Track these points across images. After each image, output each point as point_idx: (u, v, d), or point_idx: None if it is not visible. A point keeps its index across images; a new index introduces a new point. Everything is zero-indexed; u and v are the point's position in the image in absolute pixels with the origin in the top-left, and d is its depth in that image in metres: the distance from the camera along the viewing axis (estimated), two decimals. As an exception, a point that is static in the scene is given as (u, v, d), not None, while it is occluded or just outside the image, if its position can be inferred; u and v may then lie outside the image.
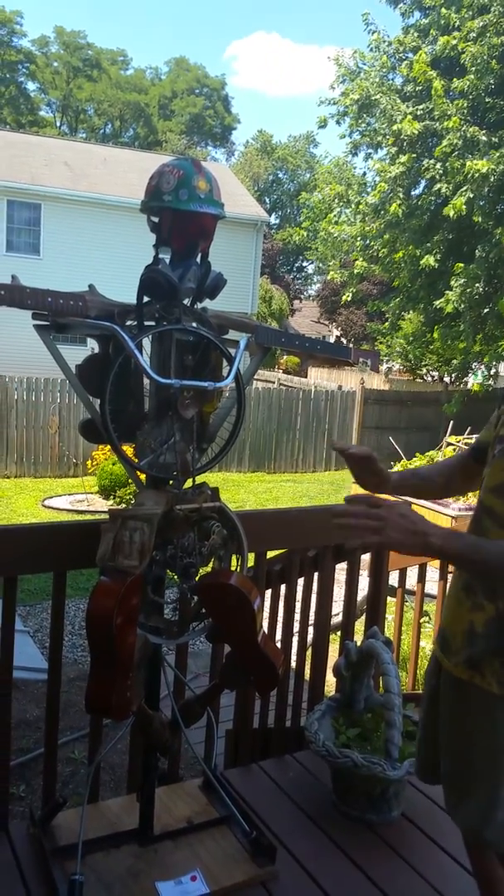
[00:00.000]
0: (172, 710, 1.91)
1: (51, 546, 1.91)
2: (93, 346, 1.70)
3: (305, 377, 19.54)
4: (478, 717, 1.35)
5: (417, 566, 2.90)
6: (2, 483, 9.98)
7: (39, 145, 19.13)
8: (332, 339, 30.23)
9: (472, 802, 1.37)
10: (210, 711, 2.08)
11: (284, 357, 22.23)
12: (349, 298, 14.67)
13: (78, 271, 14.51)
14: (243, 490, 10.47)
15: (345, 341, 28.24)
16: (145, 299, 1.67)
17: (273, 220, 39.17)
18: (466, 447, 1.62)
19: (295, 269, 39.15)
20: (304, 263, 38.62)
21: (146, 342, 1.70)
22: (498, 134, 10.80)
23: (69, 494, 9.27)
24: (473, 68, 10.64)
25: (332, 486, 11.22)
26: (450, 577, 1.64)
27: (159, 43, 78.43)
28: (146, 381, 1.70)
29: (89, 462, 9.86)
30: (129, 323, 1.67)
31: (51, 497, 9.12)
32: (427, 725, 1.54)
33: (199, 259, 1.73)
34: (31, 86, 41.47)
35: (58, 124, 42.83)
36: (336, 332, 30.58)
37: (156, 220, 1.69)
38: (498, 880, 1.48)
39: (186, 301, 1.73)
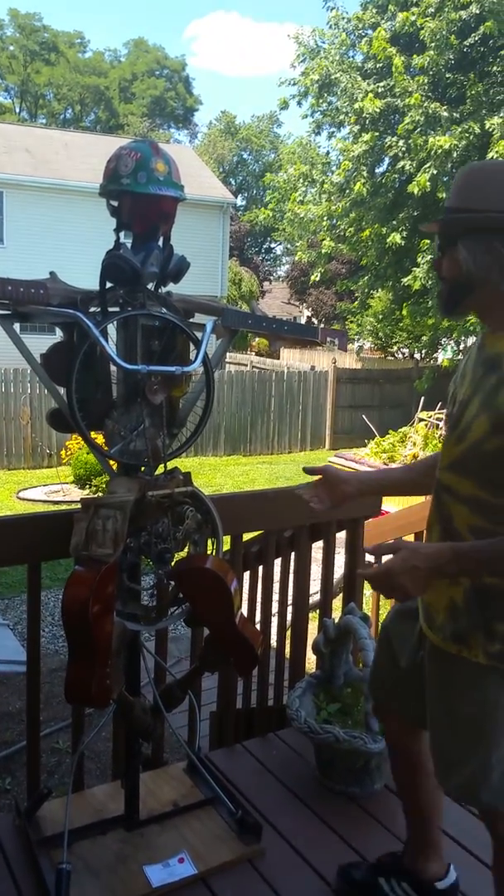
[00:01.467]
0: (154, 695, 1.91)
1: (23, 538, 1.89)
2: (61, 334, 1.68)
3: (278, 359, 19.52)
4: (467, 688, 1.37)
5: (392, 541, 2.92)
6: (-26, 477, 9.86)
7: (-2, 132, 18.74)
8: (302, 320, 30.21)
9: (465, 771, 1.39)
10: (191, 695, 2.09)
11: (256, 340, 22.18)
12: (318, 279, 14.66)
13: (43, 258, 14.27)
14: (219, 474, 10.48)
15: (315, 321, 28.22)
16: (108, 285, 1.65)
17: (239, 201, 38.86)
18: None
19: (263, 251, 38.93)
20: (273, 245, 38.41)
21: (111, 328, 1.68)
22: (459, 109, 10.82)
23: (44, 485, 9.20)
24: (433, 44, 10.62)
25: (308, 467, 11.26)
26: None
27: (117, 24, 77.04)
28: (113, 367, 1.69)
29: (63, 452, 9.79)
30: (92, 309, 1.65)
31: (25, 489, 9.04)
32: (380, 667, 1.63)
33: (160, 242, 1.71)
34: (-14, 71, 40.54)
35: (17, 110, 41.93)
36: (307, 313, 30.54)
37: (115, 204, 1.66)
38: None
39: (150, 285, 1.71)
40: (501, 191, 1.26)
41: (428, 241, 10.94)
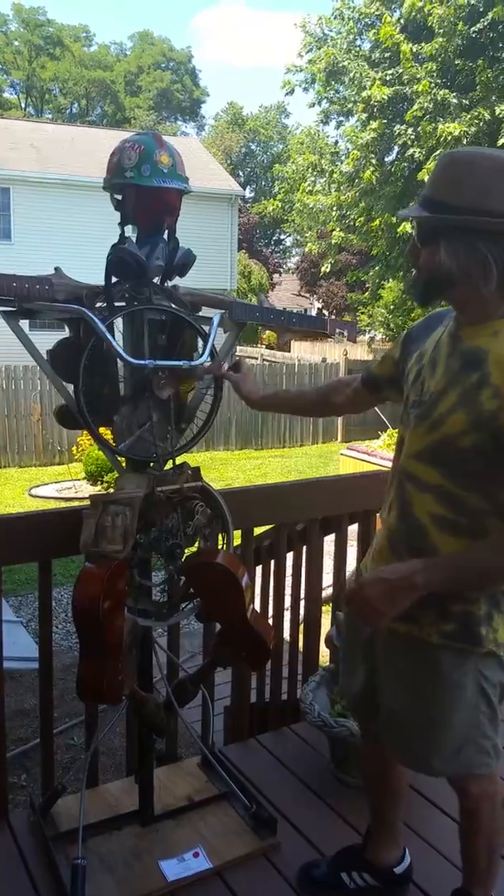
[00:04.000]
0: (167, 690, 1.91)
1: (32, 536, 1.89)
2: (68, 330, 1.67)
3: (289, 352, 19.48)
4: (419, 666, 1.39)
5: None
6: (-13, 474, 9.92)
7: (6, 128, 18.76)
8: (313, 312, 30.10)
9: (417, 743, 1.44)
10: (204, 689, 2.09)
11: (266, 333, 22.13)
12: (328, 270, 14.62)
13: (51, 254, 14.28)
14: (231, 468, 10.48)
15: (326, 313, 28.10)
16: (114, 280, 1.64)
17: (248, 193, 38.76)
18: (360, 373, 1.67)
19: (273, 243, 38.82)
20: (282, 236, 38.29)
21: (118, 323, 1.67)
22: (469, 96, 10.70)
23: (56, 482, 9.24)
24: (441, 30, 10.50)
25: (321, 459, 11.25)
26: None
27: (122, 17, 76.87)
28: (120, 363, 1.68)
29: (74, 448, 9.82)
30: (98, 305, 1.64)
31: (37, 486, 9.09)
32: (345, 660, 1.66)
33: (166, 236, 1.69)
34: (-8, 67, 40.58)
35: (23, 106, 41.95)
36: (317, 305, 30.43)
37: (119, 197, 1.65)
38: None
39: (156, 279, 1.70)
40: (485, 187, 1.21)
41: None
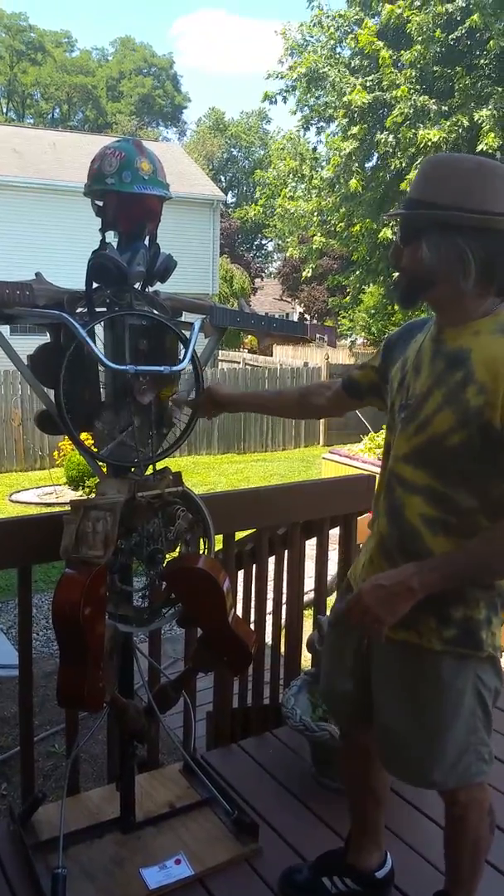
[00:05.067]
0: (148, 697, 1.90)
1: (12, 542, 1.88)
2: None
3: (271, 356, 19.51)
4: (420, 674, 1.39)
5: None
6: (-33, 480, 9.82)
7: (-15, 132, 18.64)
8: (294, 316, 30.19)
9: (415, 753, 1.42)
10: (186, 695, 2.08)
11: (248, 337, 22.16)
12: (310, 274, 14.65)
13: (30, 258, 14.21)
14: (214, 472, 10.46)
15: (308, 317, 28.20)
16: (95, 285, 1.64)
17: (230, 198, 38.80)
18: (340, 378, 1.71)
19: (254, 248, 38.88)
20: (264, 241, 38.37)
21: (98, 329, 1.67)
22: (447, 103, 10.81)
23: (37, 487, 9.17)
24: (420, 38, 10.60)
25: (303, 463, 11.27)
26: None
27: (104, 23, 76.78)
28: (101, 368, 1.67)
29: (56, 453, 9.75)
30: (79, 310, 1.64)
31: (18, 491, 9.01)
32: (328, 669, 1.65)
33: (147, 241, 1.69)
34: (-28, 72, 40.33)
35: (4, 110, 41.74)
36: (299, 309, 30.53)
37: (100, 203, 1.65)
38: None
39: (137, 285, 1.70)
40: (467, 187, 1.25)
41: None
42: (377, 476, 1.54)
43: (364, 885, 1.73)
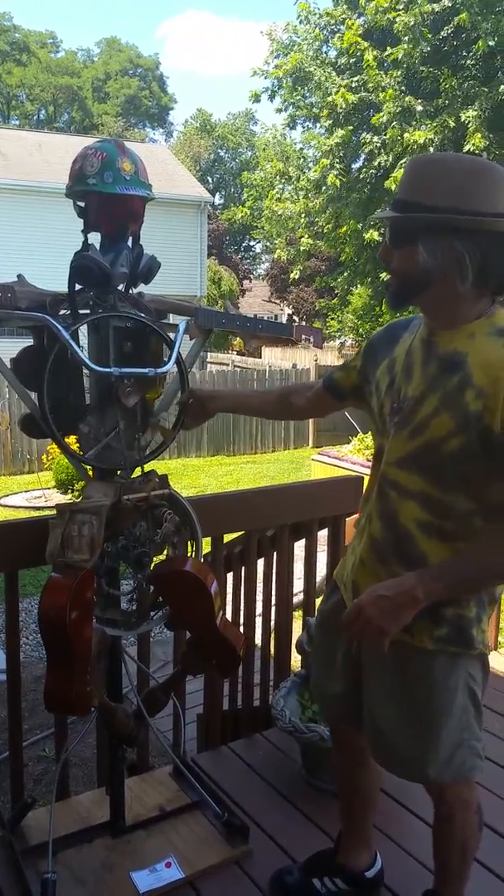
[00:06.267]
0: (136, 700, 1.90)
1: (0, 546, 1.86)
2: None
3: (259, 358, 19.52)
4: (412, 672, 1.39)
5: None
6: (-45, 484, 9.76)
7: (-30, 134, 18.55)
8: (283, 318, 30.18)
9: (411, 751, 1.42)
10: (175, 699, 2.08)
11: (237, 339, 22.16)
12: (297, 276, 14.67)
13: (16, 261, 14.13)
14: (203, 475, 10.45)
15: (297, 319, 28.21)
16: (78, 287, 1.63)
17: (217, 199, 38.77)
18: (321, 379, 1.70)
19: (242, 249, 38.90)
20: (252, 243, 38.39)
21: (82, 331, 1.66)
22: (434, 103, 10.86)
23: (25, 491, 9.12)
24: (406, 37, 10.63)
25: (292, 465, 11.27)
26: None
27: (89, 23, 76.59)
28: (86, 371, 1.67)
29: (45, 457, 9.69)
30: (62, 312, 1.63)
31: (6, 495, 8.96)
32: (318, 669, 1.64)
33: (130, 243, 1.69)
34: (-43, 73, 40.13)
35: (-11, 112, 41.54)
36: (287, 311, 30.54)
37: (82, 204, 1.64)
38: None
39: (121, 286, 1.69)
40: (460, 188, 1.23)
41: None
42: (367, 478, 1.53)
43: (354, 885, 1.73)
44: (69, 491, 8.43)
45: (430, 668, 1.37)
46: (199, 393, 1.81)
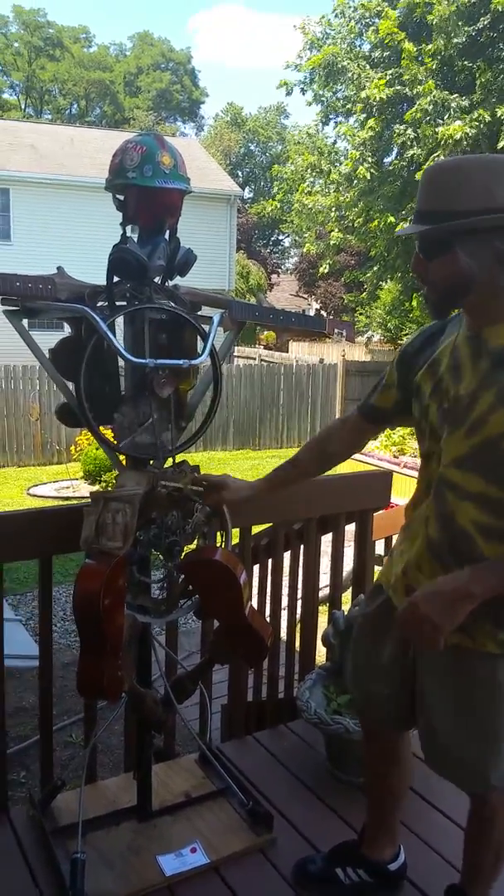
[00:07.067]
0: (165, 687, 1.93)
1: (35, 532, 1.90)
2: (69, 329, 1.69)
3: (286, 352, 19.49)
4: (476, 677, 1.38)
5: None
6: (-14, 473, 9.92)
7: (4, 129, 18.76)
8: (311, 312, 30.09)
9: (471, 756, 1.41)
10: (202, 686, 2.10)
11: (264, 333, 22.15)
12: (326, 270, 14.63)
13: (50, 254, 14.28)
14: (229, 468, 10.48)
15: (325, 314, 28.11)
16: (115, 279, 1.65)
17: (247, 193, 38.75)
18: (355, 412, 1.66)
19: (271, 243, 38.85)
20: (281, 237, 38.32)
21: (118, 322, 1.68)
22: (469, 97, 10.73)
23: (54, 482, 9.24)
24: (441, 29, 10.52)
25: (318, 460, 11.25)
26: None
27: (122, 18, 76.83)
28: (121, 361, 1.69)
29: (73, 448, 9.82)
30: (100, 304, 1.66)
31: (36, 485, 9.09)
32: (359, 668, 1.63)
33: (167, 235, 1.71)
34: (-8, 68, 40.62)
35: (22, 106, 41.90)
36: (315, 305, 30.45)
37: (121, 198, 1.66)
38: None
39: (157, 279, 1.71)
40: (485, 188, 1.23)
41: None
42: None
43: (377, 877, 1.74)
44: (97, 481, 8.53)
45: (493, 672, 1.36)
46: (231, 494, 1.77)
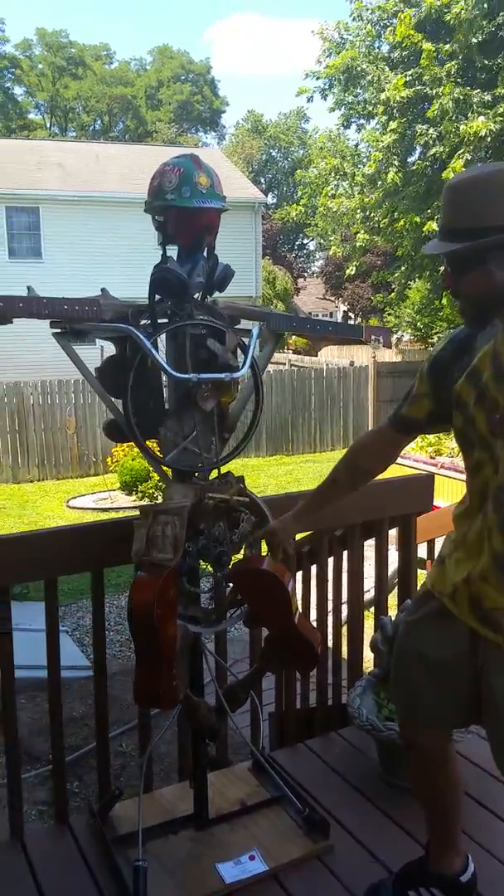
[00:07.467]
0: (216, 695, 1.95)
1: (87, 546, 1.95)
2: (102, 345, 1.72)
3: (316, 356, 19.46)
4: None
5: (444, 536, 2.91)
6: (26, 487, 10.10)
7: (31, 149, 19.11)
8: (339, 315, 30.04)
9: None
10: (254, 695, 2.12)
11: (293, 337, 22.16)
12: (353, 272, 14.59)
13: (80, 269, 14.53)
14: (263, 474, 10.50)
15: (352, 315, 28.04)
16: (157, 297, 1.69)
17: (270, 199, 38.83)
18: (386, 423, 1.64)
19: (296, 248, 38.86)
20: (305, 241, 38.32)
21: (161, 338, 1.72)
22: (491, 93, 10.64)
23: (92, 493, 9.36)
24: (461, 25, 10.45)
25: (352, 463, 11.21)
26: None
27: (141, 33, 77.78)
28: (164, 377, 1.73)
29: (109, 459, 9.94)
30: (143, 322, 1.70)
31: (75, 497, 9.22)
32: (409, 681, 1.60)
33: (205, 253, 1.74)
34: (17, 90, 41.48)
35: (48, 125, 42.68)
36: (343, 307, 30.38)
37: (161, 219, 1.70)
38: None
39: (197, 295, 1.75)
40: None
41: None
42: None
43: (450, 892, 1.70)
44: (134, 492, 8.62)
45: None
46: (278, 527, 1.80)
